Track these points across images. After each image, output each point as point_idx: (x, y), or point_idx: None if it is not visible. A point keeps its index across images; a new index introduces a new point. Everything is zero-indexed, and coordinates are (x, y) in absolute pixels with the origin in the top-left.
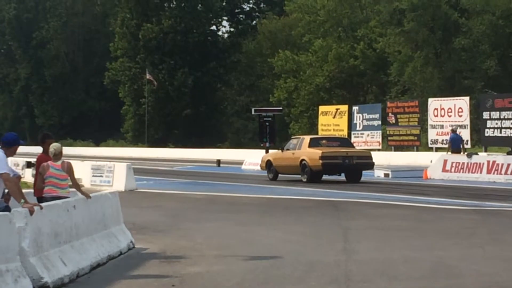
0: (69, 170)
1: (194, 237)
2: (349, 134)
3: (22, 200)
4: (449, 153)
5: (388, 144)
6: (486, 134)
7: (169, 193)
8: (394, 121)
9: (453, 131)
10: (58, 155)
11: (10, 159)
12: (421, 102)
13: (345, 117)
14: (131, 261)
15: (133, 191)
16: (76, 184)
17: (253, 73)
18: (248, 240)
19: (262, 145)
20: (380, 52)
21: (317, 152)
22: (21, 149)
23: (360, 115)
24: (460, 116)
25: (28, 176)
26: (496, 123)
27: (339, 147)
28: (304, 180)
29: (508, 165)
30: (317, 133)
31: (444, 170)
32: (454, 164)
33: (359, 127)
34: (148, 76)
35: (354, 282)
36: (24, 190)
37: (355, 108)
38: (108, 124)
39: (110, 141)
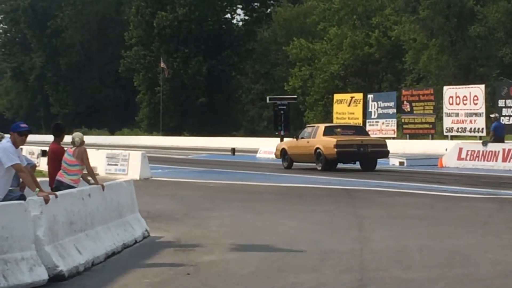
0: (80, 155)
1: (209, 226)
2: (364, 122)
3: (37, 189)
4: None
5: (403, 132)
6: (502, 122)
7: (184, 181)
8: (409, 109)
9: (496, 118)
10: (82, 143)
11: (25, 148)
12: (436, 90)
13: (360, 105)
14: (146, 249)
15: (148, 180)
16: (90, 171)
17: (267, 61)
18: (262, 229)
19: (276, 133)
20: (395, 40)
21: (332, 140)
22: (36, 137)
23: (375, 103)
24: (476, 104)
25: (43, 165)
26: None
27: (354, 135)
28: (319, 168)
29: None
30: (332, 122)
31: (459, 158)
32: (469, 152)
33: (374, 115)
34: (162, 65)
35: (369, 270)
36: (39, 179)
37: (370, 96)
38: (123, 112)
39: (125, 130)
